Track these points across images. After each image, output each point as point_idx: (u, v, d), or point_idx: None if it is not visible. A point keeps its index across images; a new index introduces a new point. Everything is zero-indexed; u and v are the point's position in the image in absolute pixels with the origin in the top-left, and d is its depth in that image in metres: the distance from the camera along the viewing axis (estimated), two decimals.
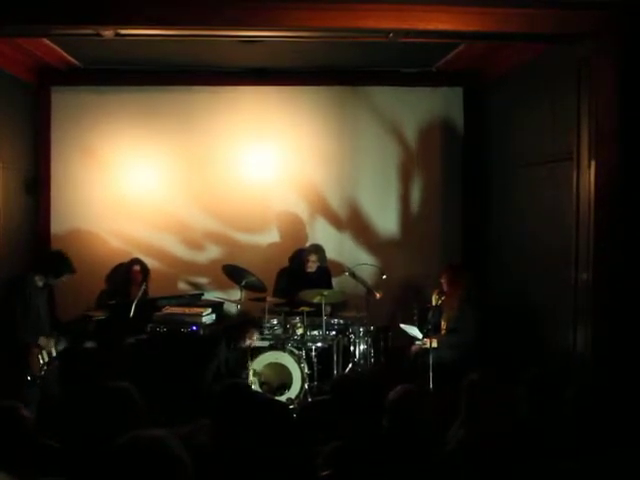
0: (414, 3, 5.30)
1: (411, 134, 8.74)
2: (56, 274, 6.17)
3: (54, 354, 6.12)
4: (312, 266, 7.86)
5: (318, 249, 7.96)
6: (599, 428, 2.93)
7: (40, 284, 6.13)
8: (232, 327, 6.86)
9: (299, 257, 7.99)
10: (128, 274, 7.50)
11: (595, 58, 5.47)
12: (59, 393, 6.22)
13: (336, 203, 8.70)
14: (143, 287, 7.23)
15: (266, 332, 7.42)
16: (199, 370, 6.54)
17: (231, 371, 6.67)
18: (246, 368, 6.65)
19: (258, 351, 7.12)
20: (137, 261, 7.62)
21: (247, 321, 6.90)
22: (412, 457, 2.90)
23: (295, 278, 7.85)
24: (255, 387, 6.72)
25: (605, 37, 5.42)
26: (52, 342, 6.09)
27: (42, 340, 6.02)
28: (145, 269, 7.58)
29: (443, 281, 6.95)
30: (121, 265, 7.69)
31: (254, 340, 6.76)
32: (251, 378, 6.64)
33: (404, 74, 8.62)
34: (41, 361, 5.98)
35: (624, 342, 5.34)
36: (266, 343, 7.36)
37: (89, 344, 6.91)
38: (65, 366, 6.30)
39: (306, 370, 7.01)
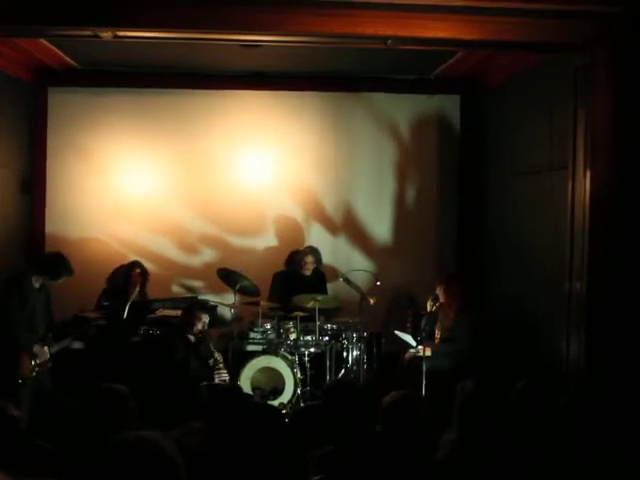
0: (413, 11, 5.30)
1: (407, 141, 8.76)
2: (54, 276, 6.14)
3: (48, 356, 6.09)
4: (309, 267, 7.84)
5: (314, 250, 7.94)
6: (592, 435, 2.93)
7: (37, 285, 6.10)
8: (181, 316, 6.82)
9: (295, 259, 7.98)
10: (128, 277, 7.44)
11: (592, 68, 5.49)
12: (51, 394, 6.19)
13: (331, 208, 8.70)
14: (137, 289, 7.21)
15: (259, 336, 7.42)
16: (162, 364, 6.52)
17: (200, 359, 6.64)
18: (211, 354, 6.63)
19: (251, 355, 7.13)
20: (138, 264, 7.57)
21: (191, 306, 6.82)
22: (405, 462, 2.90)
23: (291, 281, 7.83)
24: (245, 387, 6.71)
25: (602, 47, 5.44)
26: (46, 351, 6.06)
27: (37, 348, 5.98)
28: (144, 272, 7.54)
29: (439, 291, 6.95)
30: (121, 267, 7.64)
31: (205, 322, 6.69)
32: (217, 360, 6.63)
33: (402, 81, 8.63)
34: (32, 363, 5.95)
35: (617, 350, 5.35)
36: (259, 347, 7.36)
37: (76, 345, 6.86)
38: (56, 367, 6.27)
39: (299, 375, 7.01)
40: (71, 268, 6.19)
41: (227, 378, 6.63)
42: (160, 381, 6.40)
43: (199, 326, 6.65)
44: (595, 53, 5.46)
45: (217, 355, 6.65)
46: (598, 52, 5.45)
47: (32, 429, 4.84)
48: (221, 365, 6.64)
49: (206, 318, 6.71)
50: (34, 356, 5.94)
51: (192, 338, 6.66)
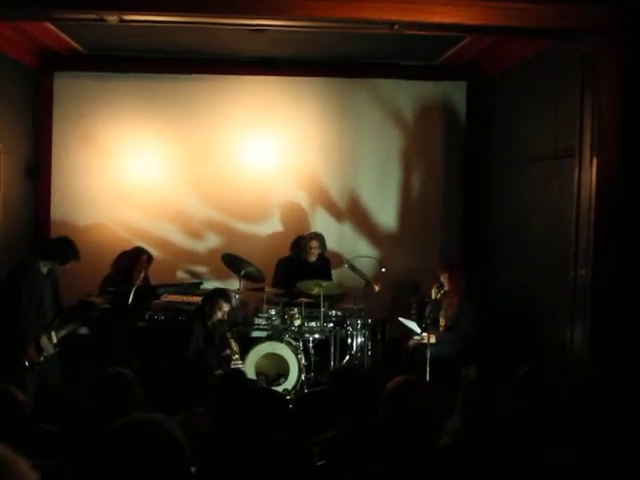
0: None
1: (413, 127, 8.73)
2: (62, 260, 6.12)
3: (55, 341, 6.10)
4: (314, 253, 7.83)
5: (318, 236, 7.94)
6: (595, 424, 2.94)
7: (44, 270, 6.09)
8: (202, 303, 6.83)
9: (299, 245, 7.97)
10: (135, 263, 7.41)
11: (599, 55, 5.46)
12: (58, 380, 6.21)
13: (336, 194, 8.69)
14: (142, 275, 7.21)
15: (264, 322, 7.43)
16: (178, 349, 6.55)
17: (214, 347, 6.69)
18: (228, 344, 6.67)
19: (256, 341, 7.14)
20: (143, 250, 7.56)
21: (215, 294, 6.82)
22: (409, 447, 2.91)
23: (296, 267, 7.83)
24: (249, 373, 6.72)
25: (609, 34, 5.41)
26: (52, 340, 6.06)
27: (43, 341, 5.97)
28: (150, 258, 7.54)
29: (444, 279, 6.95)
30: (126, 252, 7.64)
31: (225, 312, 6.69)
32: (233, 350, 6.67)
33: (408, 67, 8.60)
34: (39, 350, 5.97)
35: (621, 338, 5.35)
36: (264, 333, 7.37)
37: (82, 330, 6.89)
38: (62, 352, 6.29)
39: (303, 361, 7.02)
40: (78, 252, 6.19)
41: (242, 368, 6.64)
42: (170, 365, 6.42)
43: (219, 315, 6.65)
44: (602, 39, 5.42)
45: (234, 345, 6.67)
46: (605, 38, 5.41)
47: (39, 414, 4.87)
48: (237, 355, 6.66)
49: (227, 307, 6.69)
50: (40, 347, 5.94)
51: (209, 325, 6.69)
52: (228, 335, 6.68)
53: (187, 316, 6.94)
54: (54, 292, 6.25)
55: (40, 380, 5.98)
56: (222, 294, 6.76)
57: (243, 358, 6.85)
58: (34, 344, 5.91)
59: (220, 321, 6.70)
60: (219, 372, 6.34)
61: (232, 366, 6.55)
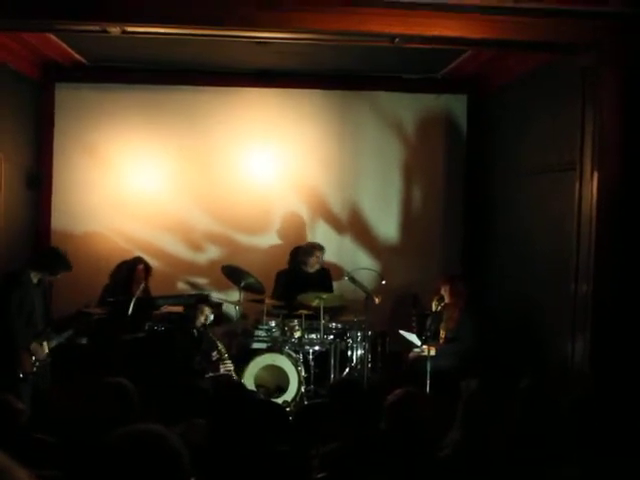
0: (419, 9, 5.31)
1: (414, 140, 8.74)
2: (52, 271, 6.16)
3: (47, 351, 6.10)
4: (316, 262, 7.81)
5: (320, 247, 7.90)
6: (596, 438, 2.92)
7: (35, 280, 6.10)
8: (185, 310, 6.97)
9: (298, 256, 7.95)
10: (132, 273, 7.42)
11: (599, 68, 5.47)
12: (51, 389, 6.20)
13: (337, 207, 8.69)
14: (142, 286, 7.20)
15: (264, 334, 7.42)
16: (169, 358, 6.67)
17: (203, 352, 6.77)
18: (216, 347, 6.81)
19: (255, 353, 7.13)
20: (141, 260, 7.56)
21: (196, 299, 7.02)
22: (409, 459, 2.89)
23: (295, 278, 7.80)
24: (249, 385, 6.73)
25: (609, 47, 5.43)
26: (44, 348, 6.06)
27: (34, 346, 5.98)
28: (148, 268, 7.54)
29: (444, 291, 6.95)
30: (124, 262, 7.64)
31: (207, 316, 6.84)
32: (221, 352, 6.79)
33: (408, 80, 8.62)
34: (33, 358, 5.96)
35: (622, 352, 5.34)
36: (264, 345, 7.36)
37: (82, 340, 6.90)
38: (60, 362, 6.29)
39: (303, 373, 7.00)
40: (69, 263, 6.22)
41: (232, 368, 6.77)
42: (162, 375, 6.46)
43: (202, 319, 6.80)
44: (601, 53, 5.44)
45: (220, 346, 6.78)
46: (604, 52, 5.43)
47: (35, 425, 4.84)
48: (226, 356, 6.80)
49: (209, 312, 6.86)
50: (32, 354, 5.95)
51: (195, 332, 6.75)
52: (214, 338, 6.76)
53: (174, 325, 7.02)
54: (44, 302, 6.26)
55: (34, 390, 5.97)
56: (203, 299, 7.01)
57: (242, 369, 6.86)
58: (27, 354, 5.91)
59: (204, 325, 6.82)
60: (210, 375, 6.43)
61: (222, 369, 6.66)
